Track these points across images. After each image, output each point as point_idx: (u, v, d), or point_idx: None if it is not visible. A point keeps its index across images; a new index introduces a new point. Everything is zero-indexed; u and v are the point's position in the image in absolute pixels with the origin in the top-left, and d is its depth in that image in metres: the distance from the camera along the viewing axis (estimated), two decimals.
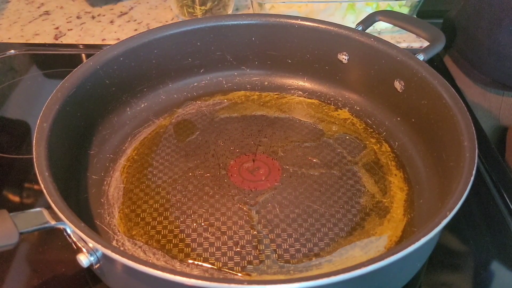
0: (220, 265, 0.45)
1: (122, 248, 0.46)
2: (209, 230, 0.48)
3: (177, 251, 0.46)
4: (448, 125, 0.49)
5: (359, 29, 0.61)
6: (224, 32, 0.62)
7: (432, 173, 0.51)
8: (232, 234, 0.47)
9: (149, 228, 0.48)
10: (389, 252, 0.36)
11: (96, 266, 0.41)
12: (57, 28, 0.81)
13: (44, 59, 0.76)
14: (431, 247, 0.46)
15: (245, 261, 0.45)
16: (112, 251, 0.36)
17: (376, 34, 0.61)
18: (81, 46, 0.78)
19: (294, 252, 0.46)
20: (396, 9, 0.78)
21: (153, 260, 0.45)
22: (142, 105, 0.61)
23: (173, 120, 0.60)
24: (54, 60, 0.75)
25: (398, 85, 0.57)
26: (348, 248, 0.46)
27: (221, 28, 0.62)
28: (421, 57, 0.55)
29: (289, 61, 0.64)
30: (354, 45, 0.60)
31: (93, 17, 0.84)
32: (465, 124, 0.47)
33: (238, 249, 0.46)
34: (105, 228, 0.48)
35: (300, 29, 0.61)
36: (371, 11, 0.68)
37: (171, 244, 0.46)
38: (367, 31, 0.61)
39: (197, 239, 0.47)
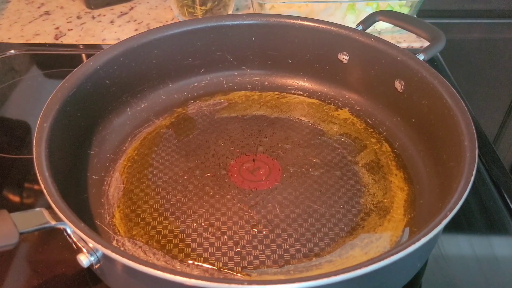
0: (220, 265, 0.45)
1: (122, 248, 0.46)
2: (209, 230, 0.48)
3: (177, 251, 0.46)
4: (448, 125, 0.49)
5: (359, 29, 0.61)
6: (224, 32, 0.62)
7: (433, 173, 0.51)
8: (232, 234, 0.47)
9: (149, 228, 0.48)
10: (389, 252, 0.36)
11: (96, 266, 0.41)
12: (57, 28, 0.81)
13: (44, 59, 0.76)
14: (431, 247, 0.46)
15: (245, 261, 0.45)
16: (112, 251, 0.36)
17: (376, 34, 0.61)
18: (81, 46, 0.78)
19: (294, 252, 0.46)
20: (396, 9, 0.78)
21: (153, 260, 0.45)
22: (142, 105, 0.61)
23: (173, 120, 0.60)
24: (54, 60, 0.75)
25: (398, 85, 0.57)
26: (348, 248, 0.46)
27: (221, 28, 0.61)
28: (421, 57, 0.55)
29: (290, 61, 0.64)
30: (355, 45, 0.60)
31: (93, 17, 0.84)
32: (465, 124, 0.47)
33: (238, 249, 0.46)
34: (105, 228, 0.48)
35: (300, 29, 0.61)
36: (371, 11, 0.68)
37: (171, 244, 0.46)
38: (367, 31, 0.61)
39: (197, 239, 0.47)
